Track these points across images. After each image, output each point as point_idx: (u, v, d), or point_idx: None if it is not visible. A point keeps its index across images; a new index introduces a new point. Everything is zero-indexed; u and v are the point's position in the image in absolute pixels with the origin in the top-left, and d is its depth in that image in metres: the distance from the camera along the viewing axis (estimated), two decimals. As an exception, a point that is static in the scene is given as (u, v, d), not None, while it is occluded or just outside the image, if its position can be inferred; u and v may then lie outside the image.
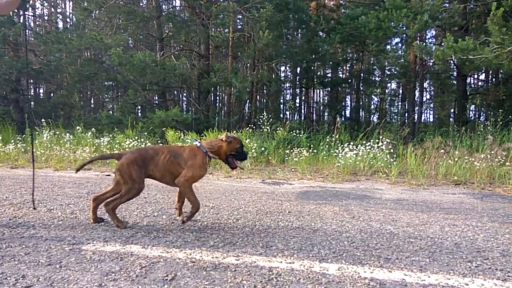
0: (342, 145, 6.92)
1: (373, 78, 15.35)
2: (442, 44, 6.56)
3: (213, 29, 12.79)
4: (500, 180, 5.38)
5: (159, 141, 8.13)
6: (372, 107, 16.68)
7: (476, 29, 9.32)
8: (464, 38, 5.86)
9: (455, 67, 10.56)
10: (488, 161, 5.86)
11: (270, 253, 2.11)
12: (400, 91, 16.86)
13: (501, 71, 10.03)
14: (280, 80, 13.18)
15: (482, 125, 7.41)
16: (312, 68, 13.92)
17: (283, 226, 2.75)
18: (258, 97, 14.24)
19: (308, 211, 3.29)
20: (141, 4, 12.93)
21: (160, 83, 10.36)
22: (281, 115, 15.00)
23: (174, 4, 16.74)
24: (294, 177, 5.66)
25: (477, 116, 13.05)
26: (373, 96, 16.17)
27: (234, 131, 8.18)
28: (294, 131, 8.17)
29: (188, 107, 17.20)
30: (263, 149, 7.13)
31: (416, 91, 12.16)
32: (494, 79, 12.95)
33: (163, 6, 14.11)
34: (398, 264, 1.97)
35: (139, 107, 14.52)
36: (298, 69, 14.23)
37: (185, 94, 17.46)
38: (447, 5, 8.71)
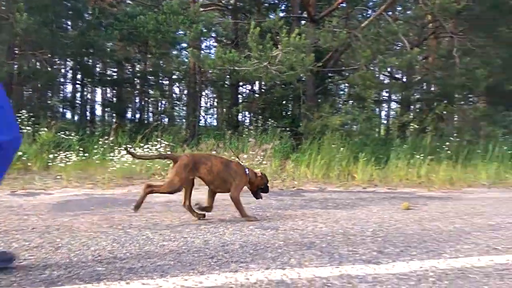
0: (119, 148, 6.55)
1: (158, 81, 15.43)
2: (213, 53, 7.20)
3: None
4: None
5: None
6: (156, 109, 16.79)
7: (243, 44, 10.62)
8: (231, 50, 6.57)
9: (228, 76, 11.82)
10: (250, 160, 6.71)
11: (-22, 287, 1.65)
12: (184, 95, 17.63)
13: (263, 83, 11.85)
14: (52, 74, 11.53)
15: (247, 129, 8.46)
16: (91, 64, 12.81)
17: (17, 247, 2.26)
18: (23, 91, 12.02)
19: (58, 225, 2.85)
20: None
21: None
22: (51, 114, 13.10)
23: None
24: (56, 186, 4.94)
25: (247, 121, 15.01)
26: (158, 99, 16.27)
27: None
28: (64, 132, 7.23)
29: None
30: (20, 153, 5.96)
31: (200, 96, 12.94)
32: (259, 90, 15.16)
33: None
34: (140, 273, 1.87)
35: None
36: (76, 64, 12.84)
37: None
38: (222, 19, 9.61)
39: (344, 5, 10.44)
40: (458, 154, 7.78)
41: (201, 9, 8.93)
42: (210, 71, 9.74)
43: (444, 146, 7.93)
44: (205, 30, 7.59)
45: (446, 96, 9.69)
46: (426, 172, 6.88)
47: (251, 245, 2.44)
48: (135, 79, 14.45)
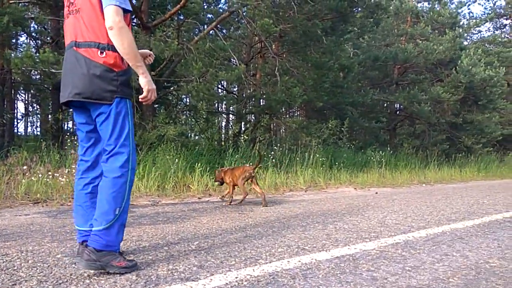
0: None
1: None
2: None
3: None
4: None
5: None
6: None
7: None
8: (45, 50, 5.70)
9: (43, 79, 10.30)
10: (71, 176, 5.92)
11: None
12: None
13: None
14: None
15: (70, 140, 7.47)
16: None
17: None
18: None
19: None
20: None
21: None
22: None
23: None
24: None
25: (70, 130, 13.34)
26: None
27: None
28: None
29: None
30: None
31: (10, 100, 10.87)
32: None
33: None
34: None
35: None
36: None
37: None
38: (36, 15, 8.32)
39: (181, 17, 10.50)
40: (281, 161, 8.67)
41: (11, 0, 7.58)
42: (19, 72, 8.32)
43: (270, 155, 8.71)
44: (12, 25, 6.38)
45: (271, 110, 10.73)
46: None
47: (53, 278, 2.07)
48: None
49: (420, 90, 15.22)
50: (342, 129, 11.46)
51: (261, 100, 13.00)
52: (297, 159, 9.13)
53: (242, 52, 14.27)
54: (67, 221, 3.83)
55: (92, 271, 2.14)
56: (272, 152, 8.99)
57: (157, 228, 3.56)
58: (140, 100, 2.28)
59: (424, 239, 3.20)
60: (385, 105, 18.17)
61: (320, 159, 9.38)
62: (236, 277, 2.12)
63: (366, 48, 16.10)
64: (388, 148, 12.93)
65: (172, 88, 10.70)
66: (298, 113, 18.67)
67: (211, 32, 9.83)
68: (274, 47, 11.52)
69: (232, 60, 11.94)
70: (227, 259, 2.49)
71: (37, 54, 5.65)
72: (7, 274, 2.14)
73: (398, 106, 18.54)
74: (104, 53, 2.13)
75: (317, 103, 11.16)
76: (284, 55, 11.45)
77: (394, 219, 4.16)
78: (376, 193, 7.14)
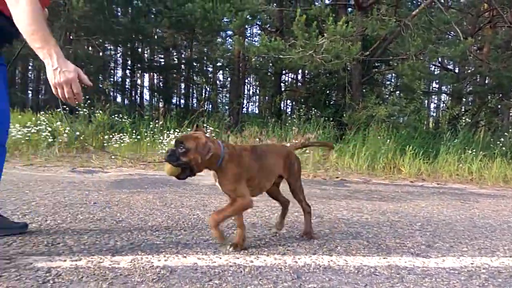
0: (168, 132, 6.83)
1: (203, 68, 15.73)
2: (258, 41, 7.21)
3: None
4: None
5: None
6: (201, 95, 17.14)
7: (288, 32, 10.56)
8: (276, 38, 6.58)
9: (271, 64, 11.84)
10: (293, 149, 6.72)
11: (54, 251, 1.83)
12: (228, 83, 17.85)
13: (307, 72, 11.74)
14: (103, 59, 12.07)
15: (290, 118, 8.43)
16: (140, 50, 13.27)
17: (82, 219, 2.46)
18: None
19: (117, 201, 3.06)
20: None
21: None
22: (104, 97, 13.79)
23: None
24: (112, 165, 5.26)
25: (289, 110, 14.95)
26: (202, 85, 16.61)
27: (42, 112, 7.07)
28: (117, 115, 7.61)
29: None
30: (77, 133, 6.38)
31: (243, 83, 13.07)
32: (303, 78, 15.05)
33: None
34: (195, 248, 1.99)
35: None
36: (127, 50, 13.40)
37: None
38: (267, 7, 9.59)
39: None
40: (513, 151, 7.36)
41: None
42: (254, 59, 9.76)
43: (498, 142, 7.50)
44: (250, 18, 7.60)
45: (501, 89, 9.12)
46: (477, 169, 6.57)
47: (296, 231, 2.50)
48: (181, 65, 14.83)
49: None
50: None
51: (488, 78, 11.17)
52: (536, 149, 7.53)
53: (464, 23, 12.50)
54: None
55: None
56: (502, 139, 7.69)
57: (374, 204, 3.71)
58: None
59: None
60: None
61: None
62: (472, 263, 2.05)
63: None
64: None
65: (383, 68, 10.48)
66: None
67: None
68: (509, 15, 9.62)
69: (453, 34, 10.65)
70: (457, 245, 2.40)
71: (269, 43, 6.58)
72: (263, 221, 2.71)
73: None
74: None
75: None
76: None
77: None
78: None
